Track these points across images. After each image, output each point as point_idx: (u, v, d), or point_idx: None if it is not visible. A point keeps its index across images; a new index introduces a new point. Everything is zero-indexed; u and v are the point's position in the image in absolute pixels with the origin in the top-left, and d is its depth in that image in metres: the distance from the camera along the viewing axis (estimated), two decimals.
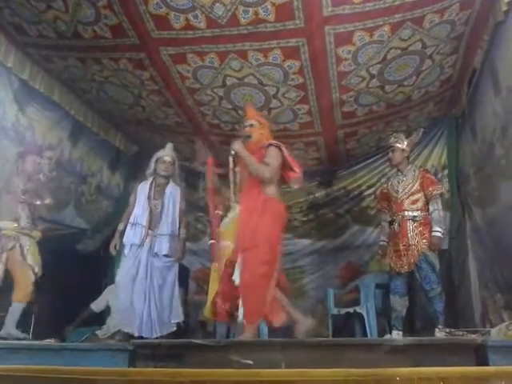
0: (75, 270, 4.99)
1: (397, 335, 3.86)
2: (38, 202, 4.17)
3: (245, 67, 4.30)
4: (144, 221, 4.00)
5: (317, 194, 6.70)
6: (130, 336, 3.68)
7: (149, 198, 4.10)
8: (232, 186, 3.27)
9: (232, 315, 4.01)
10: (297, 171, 3.22)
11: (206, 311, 4.32)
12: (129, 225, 4.04)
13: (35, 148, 4.52)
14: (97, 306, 5.02)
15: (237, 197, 3.31)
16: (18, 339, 3.64)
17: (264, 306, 2.93)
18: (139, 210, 4.07)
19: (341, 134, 5.57)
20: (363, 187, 6.22)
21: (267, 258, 3.00)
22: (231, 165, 3.27)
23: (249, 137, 3.33)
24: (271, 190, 3.17)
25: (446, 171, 5.49)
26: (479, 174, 4.42)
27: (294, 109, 4.98)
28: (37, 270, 4.02)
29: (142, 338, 3.65)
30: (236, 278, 4.05)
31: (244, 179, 3.33)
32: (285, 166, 3.26)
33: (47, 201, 4.25)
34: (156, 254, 3.95)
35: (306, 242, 6.62)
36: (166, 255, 3.98)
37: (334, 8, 3.60)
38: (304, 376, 1.82)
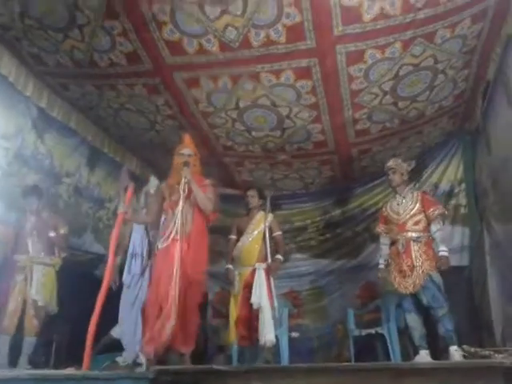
0: (94, 296, 4.98)
1: (426, 355, 3.76)
2: (52, 234, 4.25)
3: (258, 89, 4.34)
4: (144, 251, 4.02)
5: (333, 213, 6.64)
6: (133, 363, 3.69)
7: (146, 228, 4.14)
8: (180, 215, 3.29)
9: (254, 339, 3.99)
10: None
11: (230, 336, 4.26)
12: (128, 256, 4.10)
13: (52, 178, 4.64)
14: (116, 332, 5.00)
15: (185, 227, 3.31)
16: None
17: None
18: (137, 241, 4.12)
19: (355, 151, 5.56)
20: (380, 204, 6.13)
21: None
22: (184, 192, 3.35)
23: (186, 165, 3.43)
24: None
25: (463, 185, 5.43)
26: (496, 187, 4.35)
27: (308, 128, 4.99)
28: (42, 303, 4.09)
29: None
30: (254, 301, 4.05)
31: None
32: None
33: (62, 230, 4.33)
34: None
35: (324, 261, 6.54)
36: None
37: (344, 27, 3.63)
38: None
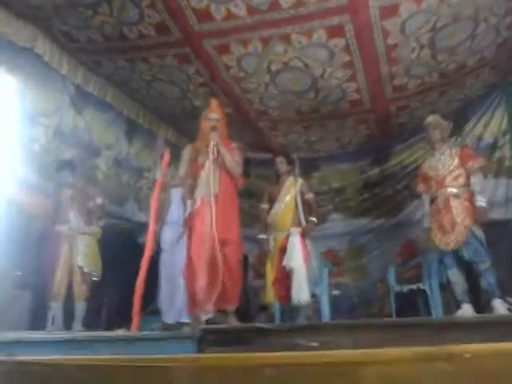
0: (139, 263, 5.20)
1: (469, 309, 3.76)
2: (91, 204, 4.44)
3: (289, 51, 4.27)
4: (180, 219, 4.14)
5: (371, 172, 6.57)
6: (171, 325, 3.85)
7: (182, 198, 4.24)
8: (212, 176, 3.33)
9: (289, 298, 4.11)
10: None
11: (268, 296, 4.40)
12: (165, 224, 4.22)
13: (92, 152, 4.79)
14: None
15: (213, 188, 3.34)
16: None
17: None
18: (175, 211, 4.22)
19: (393, 108, 5.42)
20: (419, 161, 6.00)
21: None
22: (213, 155, 3.36)
23: (214, 129, 3.42)
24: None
25: (507, 137, 5.24)
26: None
27: (343, 87, 4.89)
28: (87, 269, 4.29)
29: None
30: (287, 263, 4.15)
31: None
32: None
33: (99, 200, 4.51)
34: None
35: (363, 221, 6.53)
36: None
37: None
38: (371, 356, 1.82)
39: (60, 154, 4.63)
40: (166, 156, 3.52)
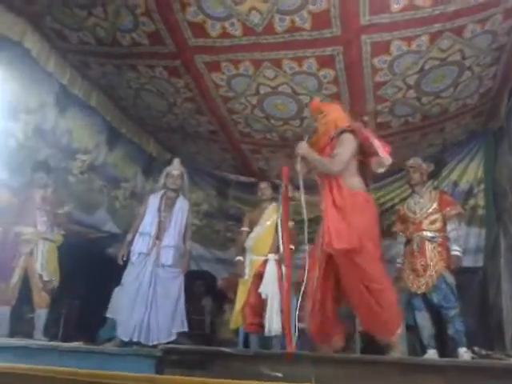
0: (105, 274, 5.04)
1: (434, 354, 3.74)
2: (60, 211, 4.34)
3: (279, 76, 4.29)
4: (153, 231, 4.07)
5: None
6: (125, 343, 3.71)
7: (159, 209, 4.17)
8: (301, 189, 2.95)
9: (262, 327, 4.01)
10: (380, 153, 2.76)
11: (233, 322, 4.30)
12: (137, 234, 4.11)
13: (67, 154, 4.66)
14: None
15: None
16: None
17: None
18: (148, 220, 4.14)
19: None
20: (396, 200, 6.07)
21: (374, 266, 2.62)
22: (299, 168, 2.95)
23: (309, 135, 3.09)
24: (353, 181, 2.81)
25: (482, 186, 5.32)
26: None
27: None
28: (47, 277, 4.15)
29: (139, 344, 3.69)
30: (263, 290, 4.06)
31: (321, 177, 2.97)
32: (364, 150, 2.87)
33: (67, 208, 4.43)
34: (162, 265, 3.99)
35: None
36: (170, 266, 4.01)
37: (371, 17, 3.55)
38: None
39: (35, 152, 4.50)
40: (285, 170, 3.20)
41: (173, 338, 3.90)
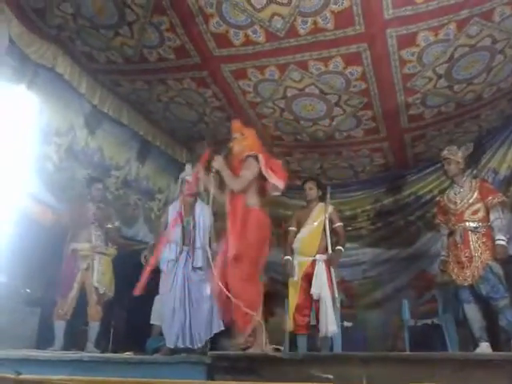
0: (148, 283, 5.14)
1: (486, 347, 3.63)
2: (110, 226, 4.48)
3: (305, 77, 4.30)
4: (178, 237, 4.10)
5: (385, 201, 6.48)
6: (173, 350, 3.75)
7: (180, 215, 4.21)
8: (210, 200, 3.25)
9: (311, 327, 4.01)
10: (273, 181, 3.18)
11: (289, 324, 4.28)
12: (166, 243, 4.15)
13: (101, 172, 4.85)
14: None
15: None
16: None
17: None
18: (172, 229, 4.17)
19: (408, 137, 5.39)
20: (435, 192, 5.92)
21: (248, 272, 3.02)
22: (213, 182, 3.21)
23: (227, 151, 3.32)
24: (252, 199, 3.18)
25: None
26: None
27: (358, 115, 4.89)
28: (102, 290, 4.30)
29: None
30: (315, 291, 4.06)
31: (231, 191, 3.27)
32: (263, 176, 3.22)
33: (116, 223, 4.59)
34: (193, 268, 4.03)
35: (376, 251, 6.41)
36: (200, 268, 4.05)
37: (395, 10, 3.51)
38: None
39: (72, 173, 4.65)
40: (206, 152, 3.41)
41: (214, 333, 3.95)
